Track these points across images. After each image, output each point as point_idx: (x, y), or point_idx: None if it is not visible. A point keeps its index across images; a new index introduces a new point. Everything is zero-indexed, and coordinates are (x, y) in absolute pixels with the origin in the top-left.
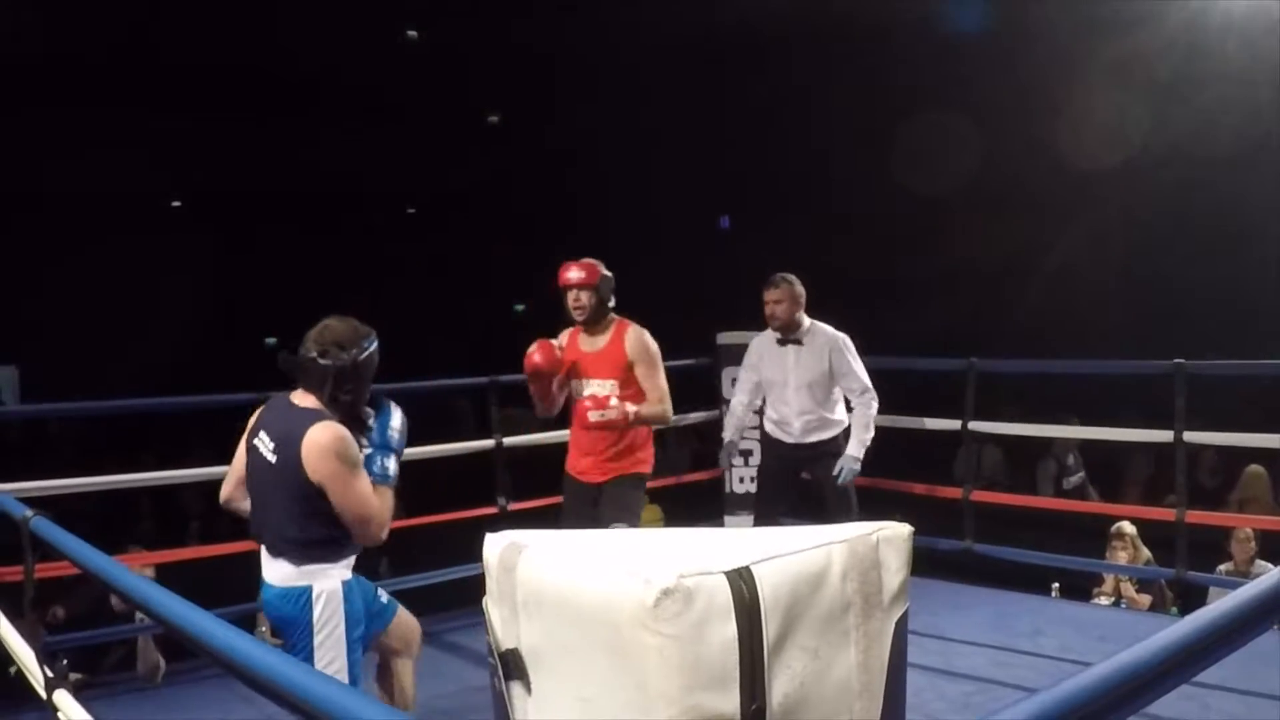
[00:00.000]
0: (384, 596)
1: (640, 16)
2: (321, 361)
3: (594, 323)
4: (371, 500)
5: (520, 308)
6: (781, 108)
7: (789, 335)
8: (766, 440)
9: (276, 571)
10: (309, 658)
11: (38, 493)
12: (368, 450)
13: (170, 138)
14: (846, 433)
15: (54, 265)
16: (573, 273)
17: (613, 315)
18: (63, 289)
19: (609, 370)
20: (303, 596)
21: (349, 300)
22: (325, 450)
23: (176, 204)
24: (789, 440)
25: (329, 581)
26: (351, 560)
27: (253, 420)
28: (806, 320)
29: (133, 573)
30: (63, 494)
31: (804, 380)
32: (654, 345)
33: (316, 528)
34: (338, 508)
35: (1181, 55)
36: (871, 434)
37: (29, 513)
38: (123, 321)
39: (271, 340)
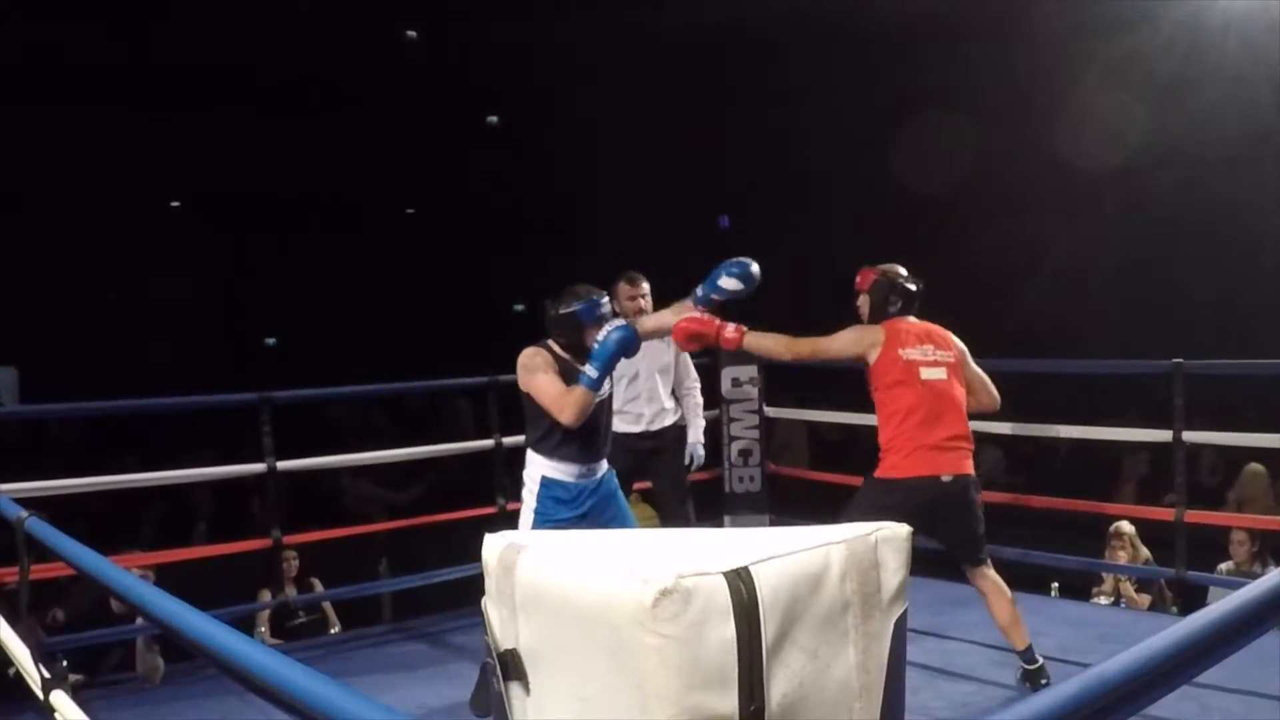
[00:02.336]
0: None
1: (640, 17)
2: (548, 310)
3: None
4: (549, 394)
5: (520, 308)
6: (781, 108)
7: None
8: (616, 440)
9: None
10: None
11: (35, 493)
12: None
13: (170, 138)
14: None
15: (54, 265)
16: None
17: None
18: (62, 289)
19: None
20: (522, 475)
21: (349, 300)
22: (518, 367)
23: (176, 204)
24: (636, 430)
25: (530, 469)
26: (555, 462)
27: None
28: None
29: (128, 573)
30: (63, 494)
31: (654, 368)
32: (866, 330)
33: (530, 426)
34: (536, 400)
35: (1181, 55)
36: (704, 423)
37: (24, 513)
38: (123, 321)
39: (271, 340)
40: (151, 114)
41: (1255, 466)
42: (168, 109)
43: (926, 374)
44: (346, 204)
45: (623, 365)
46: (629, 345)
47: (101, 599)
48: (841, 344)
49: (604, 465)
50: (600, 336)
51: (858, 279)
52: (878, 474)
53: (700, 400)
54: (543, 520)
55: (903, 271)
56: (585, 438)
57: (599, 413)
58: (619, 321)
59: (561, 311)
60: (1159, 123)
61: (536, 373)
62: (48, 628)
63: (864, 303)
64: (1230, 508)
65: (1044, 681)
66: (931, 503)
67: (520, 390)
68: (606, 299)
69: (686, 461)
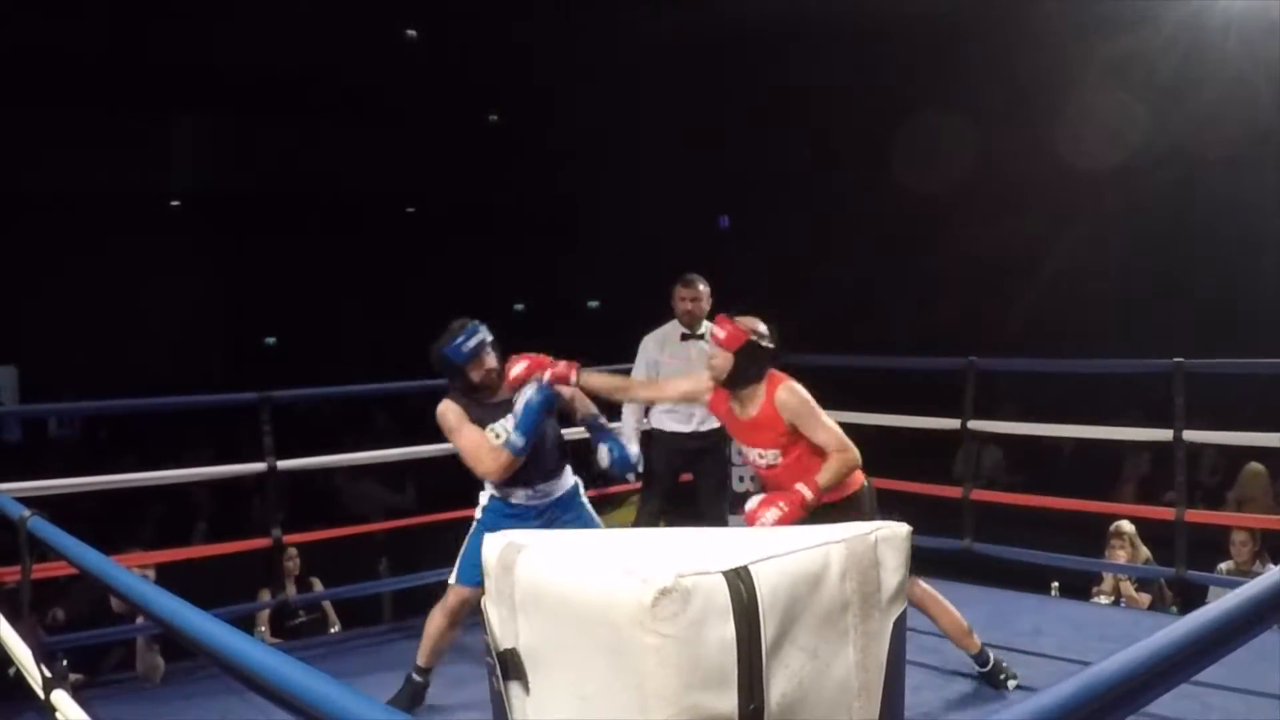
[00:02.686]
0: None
1: (640, 17)
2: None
3: (734, 386)
4: (468, 451)
5: (520, 308)
6: (781, 107)
7: (695, 331)
8: (657, 436)
9: None
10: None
11: (36, 493)
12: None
13: (170, 138)
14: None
15: (54, 265)
16: (716, 329)
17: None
18: (62, 289)
19: (769, 434)
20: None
21: (349, 300)
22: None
23: (176, 204)
24: (686, 430)
25: (481, 497)
26: (497, 492)
27: None
28: (706, 321)
29: (129, 572)
30: (64, 494)
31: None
32: (803, 395)
33: None
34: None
35: (1181, 55)
36: None
37: (26, 513)
38: (123, 321)
39: (271, 340)
40: (151, 114)
41: (1255, 466)
42: (168, 109)
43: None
44: (346, 204)
45: (676, 364)
46: (550, 405)
47: (102, 598)
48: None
49: (565, 481)
50: (521, 401)
51: (721, 334)
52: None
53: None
54: (486, 529)
55: (762, 327)
56: (529, 466)
57: (538, 444)
58: (530, 386)
59: (434, 358)
60: (1159, 123)
61: (453, 431)
62: (48, 627)
63: (722, 361)
64: (1230, 507)
65: (1003, 678)
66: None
67: None
68: (478, 332)
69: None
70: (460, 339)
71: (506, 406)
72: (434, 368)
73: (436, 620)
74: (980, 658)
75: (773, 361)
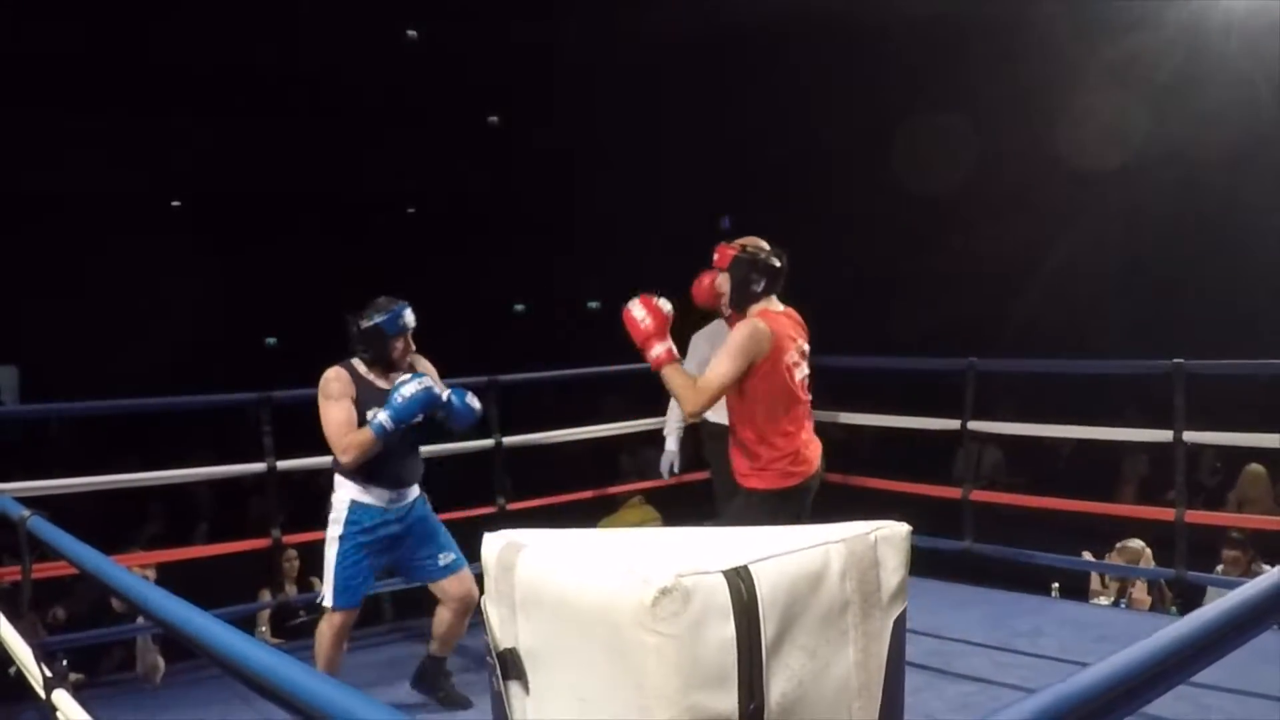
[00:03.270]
0: (445, 560)
1: (641, 16)
2: (350, 326)
3: (738, 308)
4: (333, 429)
5: (520, 308)
6: (782, 108)
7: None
8: (704, 427)
9: None
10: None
11: (36, 492)
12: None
13: (170, 138)
14: None
15: (54, 265)
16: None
17: (759, 304)
18: (63, 289)
19: None
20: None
21: (349, 301)
22: (320, 385)
23: (176, 204)
24: (728, 421)
25: (340, 492)
26: (366, 486)
27: None
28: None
29: (130, 572)
30: (64, 494)
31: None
32: (741, 334)
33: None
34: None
35: (1182, 55)
36: None
37: (26, 512)
38: (123, 321)
39: (271, 340)
40: (152, 115)
41: (1255, 467)
42: (168, 110)
43: (798, 375)
44: (347, 204)
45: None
46: (431, 405)
47: (103, 598)
48: (731, 361)
49: (416, 489)
50: (404, 391)
51: (715, 257)
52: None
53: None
54: (349, 549)
55: (765, 245)
56: (399, 460)
57: (412, 438)
58: (424, 378)
59: (364, 326)
60: (1159, 123)
61: (328, 400)
62: (49, 626)
63: (721, 283)
64: (1230, 508)
65: None
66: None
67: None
68: (409, 310)
69: None
70: (398, 310)
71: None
72: (354, 337)
73: (325, 645)
74: None
75: (775, 278)
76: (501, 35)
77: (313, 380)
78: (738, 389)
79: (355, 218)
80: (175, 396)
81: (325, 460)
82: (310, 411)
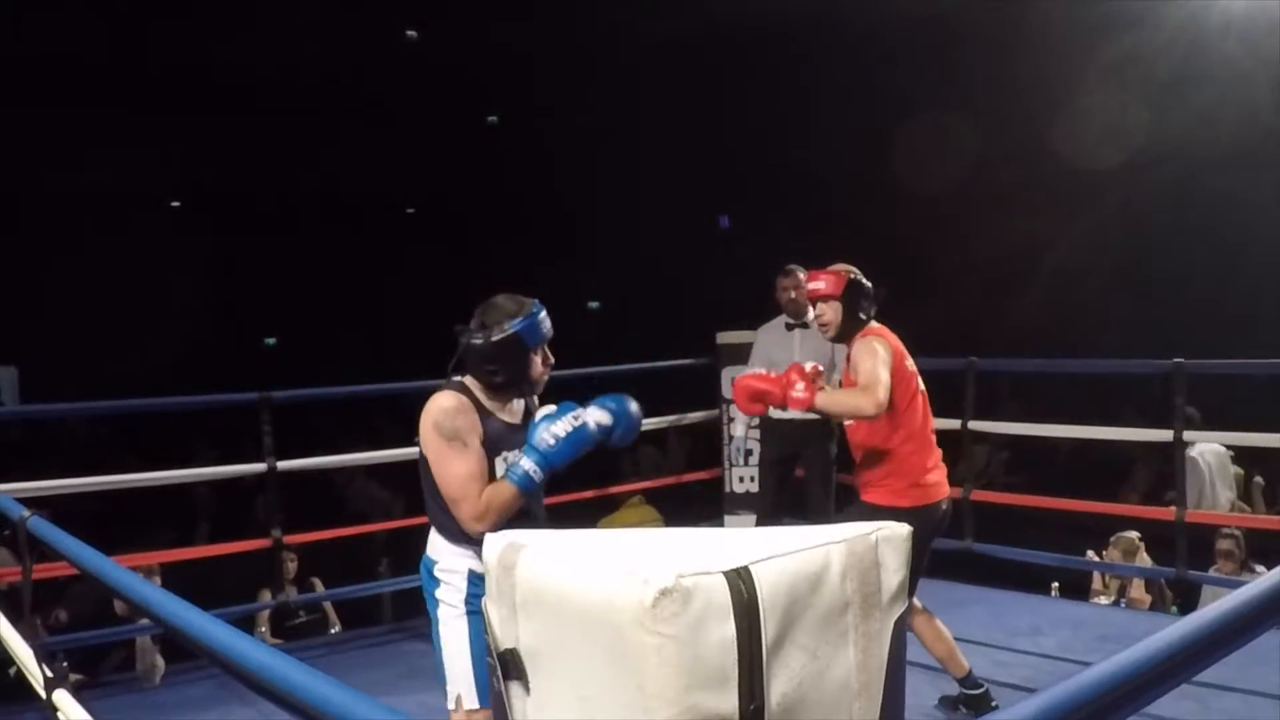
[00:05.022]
0: None
1: (639, 16)
2: (462, 340)
3: (844, 339)
4: (462, 484)
5: None
6: (782, 107)
7: (798, 320)
8: (767, 425)
9: (428, 541)
10: (436, 629)
11: (36, 493)
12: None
13: (170, 138)
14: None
15: (54, 265)
16: (811, 283)
17: (867, 326)
18: (63, 289)
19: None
20: (429, 568)
21: (349, 300)
22: (426, 418)
23: (176, 204)
24: (788, 417)
25: (449, 559)
26: (471, 554)
27: None
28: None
29: (130, 572)
30: (64, 494)
31: (808, 358)
32: (869, 347)
33: (435, 505)
34: (435, 480)
35: (1181, 55)
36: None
37: (26, 513)
38: (123, 321)
39: (271, 340)
40: (152, 114)
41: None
42: (168, 110)
43: (920, 385)
44: (346, 204)
45: (783, 355)
46: (592, 442)
47: (105, 599)
48: (884, 371)
49: None
50: (554, 429)
51: (821, 284)
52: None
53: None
54: (478, 631)
55: (855, 270)
56: (527, 518)
57: (533, 498)
58: (568, 407)
59: (495, 338)
60: (1159, 122)
61: (452, 444)
62: (51, 628)
63: (834, 313)
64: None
65: (994, 705)
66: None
67: (421, 452)
68: (545, 312)
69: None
70: (535, 312)
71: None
72: (474, 354)
73: None
74: (968, 680)
75: (876, 302)
76: (502, 35)
77: (312, 380)
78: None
79: (355, 218)
80: (175, 396)
81: (325, 460)
82: (311, 411)
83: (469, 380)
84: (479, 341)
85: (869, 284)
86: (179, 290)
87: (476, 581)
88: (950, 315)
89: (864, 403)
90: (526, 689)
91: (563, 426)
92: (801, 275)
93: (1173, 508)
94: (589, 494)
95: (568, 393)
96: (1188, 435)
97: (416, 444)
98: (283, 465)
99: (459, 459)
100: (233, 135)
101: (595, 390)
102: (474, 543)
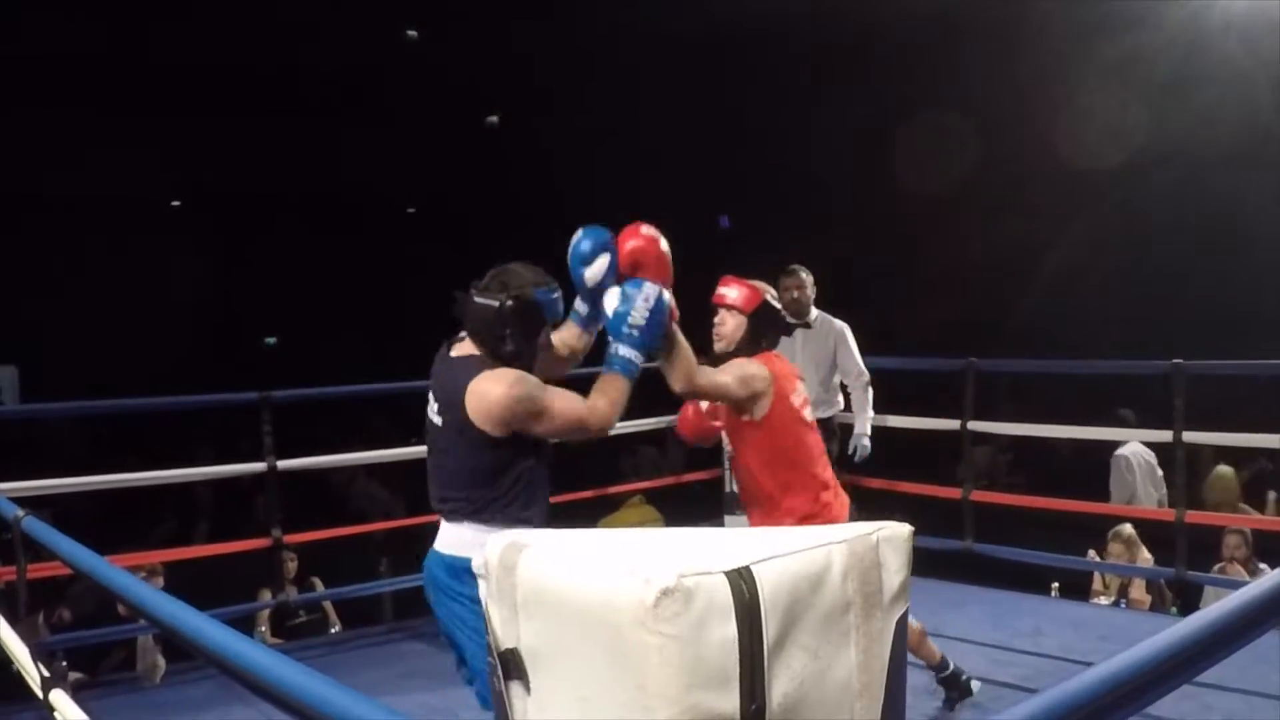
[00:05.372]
0: None
1: (640, 16)
2: (477, 299)
3: (730, 359)
4: (574, 407)
5: None
6: (781, 107)
7: (800, 320)
8: None
9: (443, 538)
10: (478, 638)
11: (36, 492)
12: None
13: (170, 138)
14: (840, 416)
15: (54, 265)
16: (722, 287)
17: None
18: (63, 289)
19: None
20: (460, 567)
21: (349, 300)
22: (499, 400)
23: (176, 204)
24: None
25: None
26: (525, 525)
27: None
28: (814, 309)
29: (125, 573)
30: (63, 494)
31: (810, 359)
32: (738, 364)
33: (490, 489)
34: (548, 432)
35: (1181, 55)
36: (872, 415)
37: (20, 513)
38: (123, 321)
39: (271, 340)
40: (151, 114)
41: (1223, 468)
42: (168, 109)
43: (809, 416)
44: (346, 204)
45: (784, 353)
46: (666, 310)
47: (108, 599)
48: (734, 385)
49: None
50: (639, 309)
51: (733, 293)
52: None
53: (867, 397)
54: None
55: (773, 291)
56: (546, 481)
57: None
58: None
59: (510, 302)
60: (1159, 123)
61: (541, 391)
62: (54, 626)
63: (734, 327)
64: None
65: (965, 678)
66: None
67: (476, 431)
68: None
69: (850, 452)
70: (557, 289)
71: None
72: (489, 318)
73: None
74: (941, 664)
75: (780, 335)
76: (502, 35)
77: (312, 380)
78: (752, 432)
79: (355, 218)
80: (175, 396)
81: (325, 460)
82: (308, 411)
83: (467, 348)
84: (496, 303)
85: (782, 313)
86: (179, 290)
87: None
88: (950, 315)
89: (684, 370)
90: (527, 689)
91: (640, 309)
92: (804, 275)
93: (1172, 508)
94: (589, 494)
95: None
96: (1187, 435)
97: (450, 428)
98: (283, 465)
99: (554, 394)
100: (233, 135)
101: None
102: (514, 521)
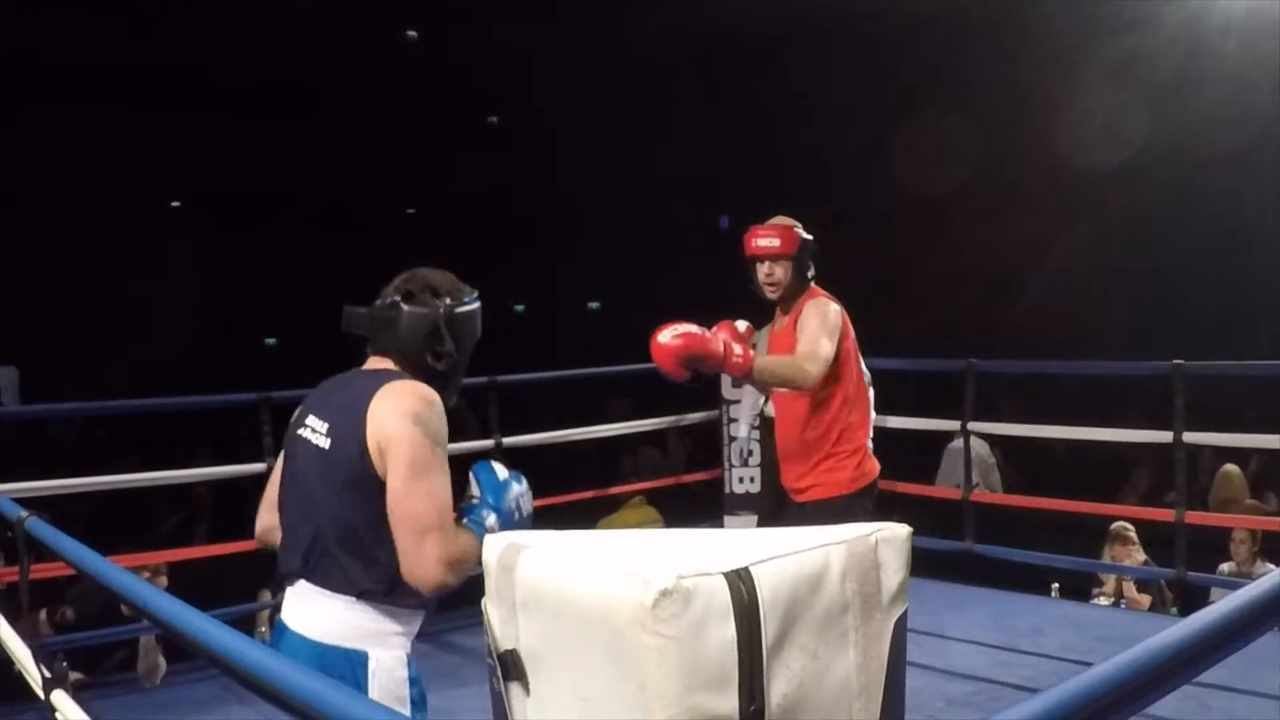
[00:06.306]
0: None
1: (641, 17)
2: (406, 307)
3: (789, 300)
4: (441, 511)
5: (520, 308)
6: (781, 107)
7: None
8: (768, 425)
9: (313, 616)
10: None
11: (36, 493)
12: (474, 501)
13: (171, 138)
14: None
15: (54, 265)
16: (762, 240)
17: (810, 287)
18: (63, 289)
19: (786, 350)
20: (355, 664)
21: (348, 301)
22: (400, 409)
23: (176, 204)
24: None
25: (392, 650)
26: (412, 623)
27: (295, 414)
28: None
29: (127, 573)
30: (64, 494)
31: None
32: (820, 310)
33: (386, 549)
34: (392, 500)
35: (1181, 55)
36: (874, 417)
37: (24, 513)
38: (123, 321)
39: (271, 340)
40: (152, 114)
41: (1229, 468)
42: (168, 109)
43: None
44: (346, 204)
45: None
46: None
47: (111, 599)
48: (829, 339)
49: None
50: (528, 501)
51: (775, 240)
52: (860, 482)
53: (870, 395)
54: None
55: (793, 222)
56: None
57: None
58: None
59: (458, 308)
60: (1159, 123)
61: (437, 450)
62: (57, 626)
63: (783, 272)
64: (1212, 510)
65: None
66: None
67: (365, 458)
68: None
69: None
70: (474, 299)
71: None
72: (422, 318)
73: None
74: None
75: (817, 255)
76: (502, 36)
77: (313, 380)
78: (834, 373)
79: (355, 218)
80: (175, 396)
81: None
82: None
83: (386, 364)
84: (433, 310)
85: (812, 239)
86: (179, 290)
87: (416, 674)
88: (950, 315)
89: (802, 372)
90: (526, 690)
91: (528, 502)
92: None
93: (1173, 509)
94: (589, 494)
95: (570, 391)
96: (1187, 436)
97: (338, 449)
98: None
99: (444, 474)
100: (233, 135)
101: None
102: (411, 613)
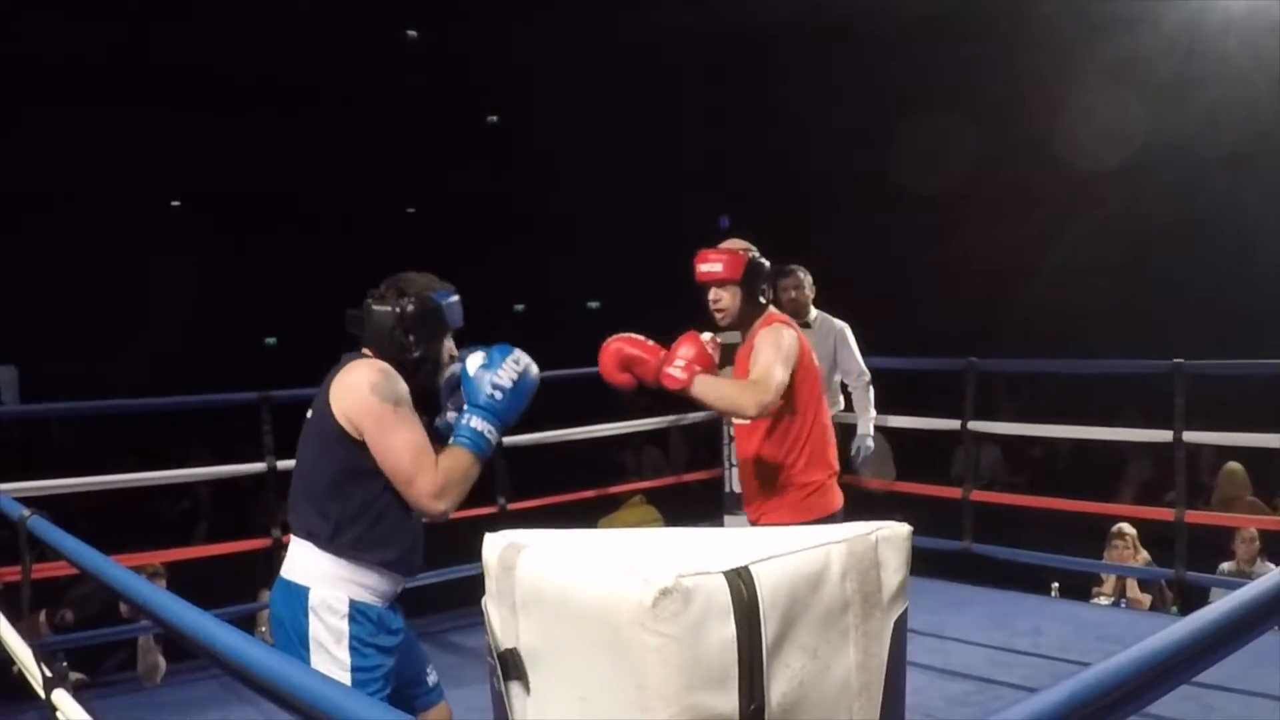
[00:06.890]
0: (432, 677)
1: (641, 16)
2: (375, 308)
3: (744, 326)
4: (416, 455)
5: (520, 308)
6: (781, 107)
7: (799, 320)
8: None
9: (288, 557)
10: None
11: (36, 493)
12: (452, 414)
13: (170, 138)
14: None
15: (54, 265)
16: (703, 265)
17: (767, 312)
18: (63, 289)
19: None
20: (298, 598)
21: (348, 301)
22: (357, 385)
23: (176, 204)
24: None
25: (324, 588)
26: (374, 573)
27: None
28: (814, 309)
29: (129, 572)
30: (64, 494)
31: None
32: (772, 337)
33: (339, 503)
34: (376, 458)
35: (1181, 55)
36: (874, 415)
37: (26, 512)
38: (123, 321)
39: (271, 340)
40: (152, 114)
41: (1232, 465)
42: (168, 109)
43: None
44: (346, 204)
45: None
46: (534, 388)
47: (111, 600)
48: (783, 366)
49: None
50: (500, 374)
51: (717, 265)
52: (813, 512)
53: (869, 397)
54: (369, 677)
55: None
56: (417, 527)
57: None
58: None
59: (418, 306)
60: (1159, 123)
61: (398, 410)
62: (56, 627)
63: (731, 298)
64: (1215, 509)
65: None
66: None
67: (333, 423)
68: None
69: (854, 453)
70: (455, 296)
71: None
72: (388, 326)
73: None
74: None
75: (771, 278)
76: (502, 36)
77: (313, 380)
78: (789, 404)
79: (355, 217)
80: (175, 396)
81: None
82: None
83: (372, 358)
84: (396, 309)
85: (766, 262)
86: (179, 290)
87: (362, 619)
88: (950, 315)
89: (746, 399)
90: (527, 689)
91: (506, 374)
92: (802, 275)
93: (1173, 508)
94: (589, 494)
95: (570, 391)
96: (1187, 435)
97: (312, 422)
98: (283, 465)
99: (409, 426)
100: (232, 135)
101: (596, 390)
102: (364, 562)
